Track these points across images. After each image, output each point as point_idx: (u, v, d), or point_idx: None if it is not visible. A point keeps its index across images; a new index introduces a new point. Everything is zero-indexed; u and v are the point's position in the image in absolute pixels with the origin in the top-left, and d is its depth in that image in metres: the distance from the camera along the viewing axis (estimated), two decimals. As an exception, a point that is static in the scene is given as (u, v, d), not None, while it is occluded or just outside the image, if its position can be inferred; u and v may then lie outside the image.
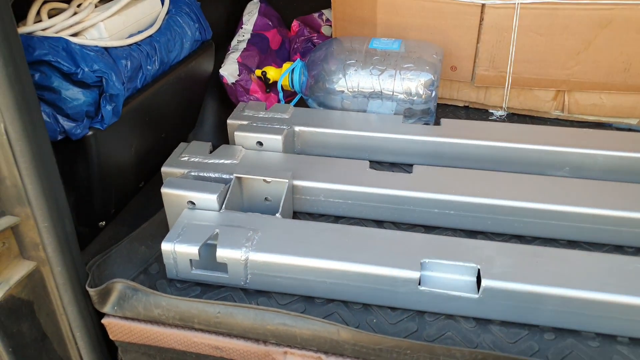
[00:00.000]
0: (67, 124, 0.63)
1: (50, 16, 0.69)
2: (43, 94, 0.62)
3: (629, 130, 1.02)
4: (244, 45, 1.07)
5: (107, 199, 0.75)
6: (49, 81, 0.61)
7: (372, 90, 0.95)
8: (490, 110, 1.09)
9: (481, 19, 0.97)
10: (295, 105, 1.02)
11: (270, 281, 0.67)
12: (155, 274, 0.70)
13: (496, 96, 1.06)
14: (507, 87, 1.03)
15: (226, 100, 1.07)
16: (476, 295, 0.62)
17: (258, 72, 1.04)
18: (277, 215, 0.72)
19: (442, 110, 1.11)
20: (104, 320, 0.66)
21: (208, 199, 0.72)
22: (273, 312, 0.60)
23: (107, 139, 0.70)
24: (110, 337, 0.67)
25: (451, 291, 0.63)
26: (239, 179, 0.77)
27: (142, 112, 0.78)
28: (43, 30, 0.66)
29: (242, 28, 1.12)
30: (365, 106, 0.98)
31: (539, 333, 0.63)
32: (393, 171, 0.86)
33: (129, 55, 0.73)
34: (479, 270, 0.63)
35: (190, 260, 0.67)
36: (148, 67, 0.77)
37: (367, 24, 1.06)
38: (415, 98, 0.94)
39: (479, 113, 1.09)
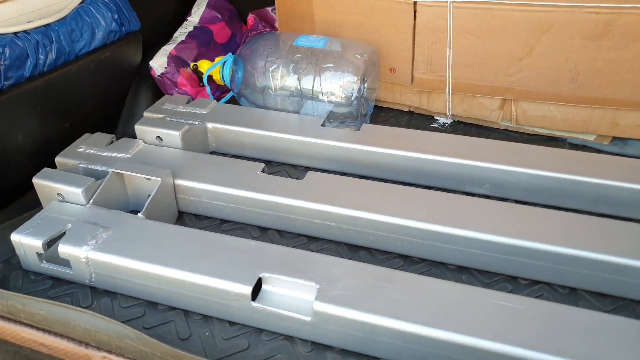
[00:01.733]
0: None
1: None
2: None
3: (583, 146, 0.93)
4: (183, 37, 1.05)
5: (-17, 186, 0.75)
6: None
7: (293, 90, 0.91)
8: (435, 117, 1.02)
9: (415, 18, 0.90)
10: (227, 102, 1.00)
11: (113, 282, 0.65)
12: (15, 264, 0.70)
13: (439, 102, 0.99)
14: (448, 93, 0.96)
15: (161, 93, 1.06)
16: (309, 318, 0.58)
17: (192, 66, 1.02)
18: (139, 214, 0.70)
19: (385, 115, 1.05)
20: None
21: (74, 192, 0.71)
22: (89, 314, 0.58)
23: (-24, 126, 0.70)
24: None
25: (283, 311, 0.58)
26: (117, 174, 0.75)
27: (33, 101, 0.78)
28: None
29: (187, 20, 1.10)
30: (299, 106, 0.93)
31: (377, 365, 0.57)
32: (286, 176, 0.81)
33: (11, 43, 0.72)
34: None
35: (37, 253, 0.66)
36: (40, 55, 0.77)
37: (306, 20, 1.01)
38: (335, 100, 0.89)
39: (422, 119, 1.03)
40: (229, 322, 0.62)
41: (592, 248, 0.62)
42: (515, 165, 0.77)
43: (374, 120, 1.02)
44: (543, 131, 0.95)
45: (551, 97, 0.89)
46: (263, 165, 0.79)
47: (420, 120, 1.02)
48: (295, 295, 0.60)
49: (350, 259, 0.71)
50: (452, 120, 1.01)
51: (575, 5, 0.80)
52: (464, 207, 0.71)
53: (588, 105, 0.88)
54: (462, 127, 1.00)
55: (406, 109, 1.04)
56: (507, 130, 0.97)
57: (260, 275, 0.60)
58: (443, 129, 0.99)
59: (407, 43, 0.93)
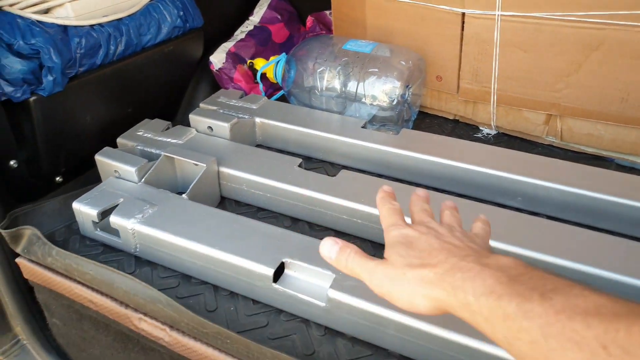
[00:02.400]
0: (7, 88, 0.73)
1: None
2: (-12, 60, 0.72)
3: (631, 168, 0.91)
4: (242, 36, 1.12)
5: (55, 159, 0.85)
6: (-7, 49, 0.71)
7: (338, 92, 0.96)
8: (480, 127, 1.03)
9: (462, 29, 0.92)
10: (277, 100, 1.06)
11: (154, 254, 0.72)
12: (75, 230, 0.79)
13: (484, 112, 1.00)
14: (493, 104, 0.97)
15: (219, 86, 1.13)
16: (323, 304, 0.62)
17: (248, 63, 1.09)
18: (184, 195, 0.77)
19: (430, 121, 1.07)
20: (17, 260, 0.76)
21: (128, 170, 0.78)
22: (129, 278, 0.65)
23: (53, 105, 0.79)
24: (24, 276, 0.77)
25: (301, 294, 0.63)
26: (168, 158, 0.82)
27: (102, 87, 0.87)
28: (10, 5, 0.77)
29: (248, 19, 1.17)
30: (344, 108, 0.98)
31: (383, 357, 0.61)
32: (323, 173, 0.86)
33: (87, 34, 0.81)
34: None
35: (93, 221, 0.74)
36: (111, 46, 0.85)
37: (359, 25, 1.05)
38: (377, 104, 0.92)
39: (467, 128, 1.04)
40: (252, 300, 0.68)
41: (619, 270, 0.62)
42: (549, 181, 0.78)
43: (419, 126, 1.04)
44: (590, 150, 0.94)
45: (598, 115, 0.88)
46: (300, 160, 0.84)
47: (464, 129, 1.04)
48: (313, 282, 0.65)
49: (373, 255, 0.74)
50: (496, 132, 1.02)
51: (628, 24, 0.79)
52: (490, 217, 0.72)
53: (638, 127, 0.87)
54: (505, 139, 1.00)
55: (451, 117, 1.06)
56: (552, 146, 0.97)
57: (283, 260, 0.65)
58: (486, 140, 1.00)
59: (454, 53, 0.95)
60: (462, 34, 0.93)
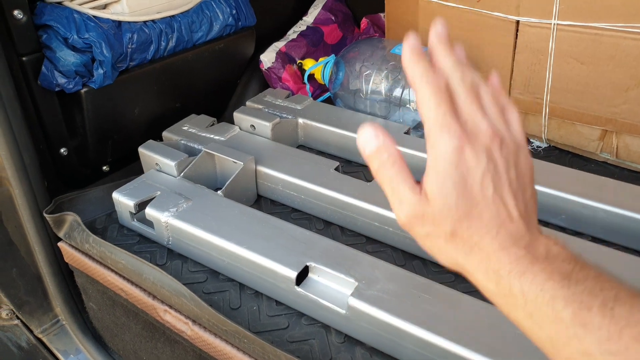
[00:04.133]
0: (60, 79, 0.76)
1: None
2: (46, 52, 0.76)
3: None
4: (294, 36, 1.13)
5: (102, 149, 0.88)
6: (50, 42, 0.75)
7: (383, 96, 0.94)
8: (530, 140, 0.99)
9: (516, 37, 0.88)
10: (323, 102, 1.06)
11: (186, 248, 0.74)
12: (115, 219, 0.82)
13: (535, 124, 0.95)
14: (545, 117, 0.92)
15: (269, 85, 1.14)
16: (344, 311, 0.61)
17: (297, 63, 1.09)
18: (219, 192, 0.78)
19: (479, 131, 1.03)
20: (59, 244, 0.79)
21: (168, 164, 0.80)
22: (157, 270, 0.67)
23: (102, 97, 0.83)
24: (65, 260, 0.81)
25: (322, 300, 0.62)
26: (208, 154, 0.84)
27: (151, 81, 0.89)
28: (70, 1, 0.81)
29: (302, 20, 1.17)
30: (388, 112, 0.97)
31: (403, 370, 0.59)
32: (362, 178, 0.85)
33: (139, 30, 0.84)
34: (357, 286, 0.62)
35: (130, 212, 0.77)
36: (162, 42, 0.88)
37: (411, 29, 1.03)
38: (421, 110, 0.90)
39: (516, 140, 1.00)
40: (276, 301, 0.68)
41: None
42: (596, 200, 0.73)
43: (465, 135, 1.01)
44: (647, 169, 0.88)
45: (659, 134, 0.82)
46: (337, 163, 0.83)
47: (513, 141, 1.00)
48: (335, 288, 0.64)
49: (402, 266, 0.73)
50: (547, 145, 0.97)
51: (696, 38, 0.74)
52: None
53: (702, 148, 0.80)
54: (557, 153, 0.95)
55: (500, 128, 1.02)
56: (606, 163, 0.92)
57: (308, 264, 0.65)
58: (536, 153, 0.96)
59: (506, 61, 0.92)
60: (515, 43, 0.89)
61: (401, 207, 0.37)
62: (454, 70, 0.37)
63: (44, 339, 0.86)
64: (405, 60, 0.37)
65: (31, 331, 0.86)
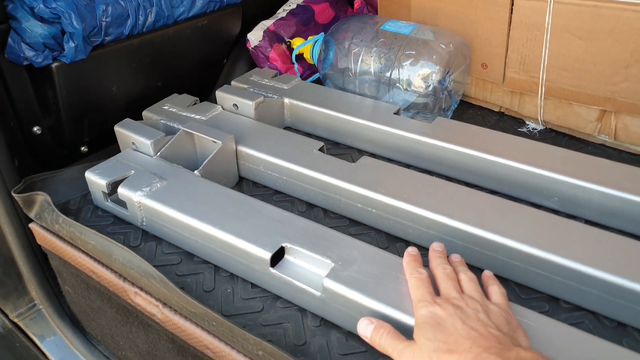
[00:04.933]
0: (28, 52, 0.73)
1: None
2: (12, 23, 0.73)
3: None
4: (284, 14, 1.09)
5: (78, 128, 0.85)
6: (16, 11, 0.72)
7: (372, 75, 0.90)
8: (526, 122, 0.95)
9: (511, 12, 0.84)
10: (313, 82, 1.02)
11: (160, 229, 0.71)
12: (89, 200, 0.79)
13: (531, 105, 0.91)
14: (541, 97, 0.88)
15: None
16: (319, 293, 0.58)
17: (286, 42, 1.05)
18: (196, 172, 0.74)
19: (474, 112, 1.00)
20: (30, 225, 0.76)
21: (144, 143, 0.77)
22: (126, 251, 0.64)
23: (76, 73, 0.79)
24: (37, 241, 0.78)
25: (297, 282, 0.59)
26: (187, 133, 0.81)
27: (129, 58, 0.86)
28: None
29: (292, -2, 1.14)
30: (377, 92, 0.93)
31: (377, 355, 0.56)
32: (349, 160, 0.81)
33: (114, 2, 0.80)
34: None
35: (103, 192, 0.74)
36: (140, 17, 0.85)
37: (404, 6, 0.99)
38: (412, 89, 0.86)
39: (512, 122, 0.96)
40: (251, 284, 0.65)
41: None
42: (590, 181, 0.69)
43: (460, 116, 0.97)
44: (647, 152, 0.84)
45: (660, 113, 0.78)
46: (322, 144, 0.80)
47: (509, 122, 0.96)
48: (311, 270, 0.61)
49: (385, 248, 0.69)
50: (543, 127, 0.93)
51: (699, 9, 0.69)
52: (522, 218, 0.65)
53: None
54: (553, 135, 0.91)
55: (496, 109, 0.98)
56: (604, 145, 0.88)
57: (283, 245, 0.61)
58: (531, 135, 0.92)
59: (501, 38, 0.88)
60: (510, 18, 0.85)
61: (401, 356, 0.48)
62: (438, 266, 0.55)
63: (20, 324, 0.84)
64: (404, 263, 0.57)
65: (6, 315, 0.83)
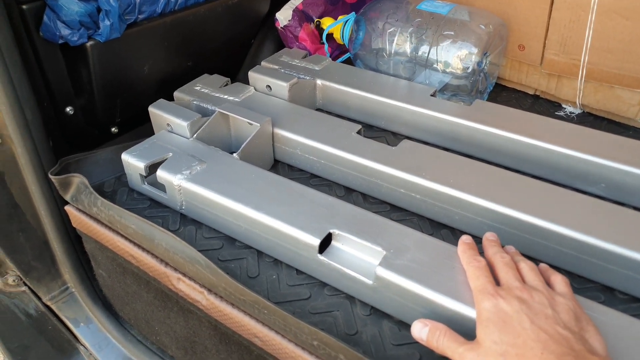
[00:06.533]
0: (64, 30, 0.71)
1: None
2: (47, 0, 0.70)
3: None
4: (312, -8, 1.06)
5: (111, 108, 0.83)
6: (51, -12, 0.70)
7: (408, 56, 0.88)
8: (563, 105, 0.93)
9: (554, -8, 0.82)
10: (343, 63, 1.00)
11: (200, 212, 0.69)
12: (125, 182, 0.77)
13: (569, 88, 0.89)
14: (581, 80, 0.86)
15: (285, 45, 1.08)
16: (370, 282, 0.57)
17: (315, 22, 1.03)
18: (235, 155, 0.73)
19: (507, 95, 0.98)
20: (66, 207, 0.75)
21: (180, 124, 0.76)
22: (170, 236, 0.62)
23: (110, 52, 0.77)
24: (73, 224, 0.77)
25: (347, 269, 0.58)
26: (223, 115, 0.79)
27: (161, 37, 0.84)
28: (74, -54, 0.75)
29: (319, -24, 1.10)
30: (413, 74, 0.91)
31: (432, 345, 0.55)
32: (384, 142, 0.80)
33: (148, -21, 0.78)
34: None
35: (140, 174, 0.72)
36: (172, -6, 0.82)
37: (437, -15, 0.96)
38: (449, 71, 0.84)
39: (547, 105, 0.94)
40: (296, 270, 0.64)
41: None
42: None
43: (495, 99, 0.96)
44: (691, 137, 0.82)
45: None
46: (360, 127, 0.78)
47: (544, 106, 0.94)
48: (361, 257, 0.60)
49: (430, 235, 0.68)
50: (581, 111, 0.91)
51: None
52: (568, 202, 0.64)
53: None
54: (591, 119, 0.90)
55: (531, 92, 0.96)
56: (645, 130, 0.86)
57: (331, 231, 0.60)
58: (569, 119, 0.90)
59: (541, 19, 0.85)
60: (553, -2, 0.82)
61: (463, 359, 0.45)
62: (495, 254, 0.53)
63: (53, 307, 0.83)
64: (459, 252, 0.55)
65: (39, 298, 0.82)
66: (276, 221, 0.62)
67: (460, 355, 0.45)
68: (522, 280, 0.50)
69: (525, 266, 0.52)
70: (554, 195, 0.65)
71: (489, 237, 0.57)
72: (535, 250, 0.62)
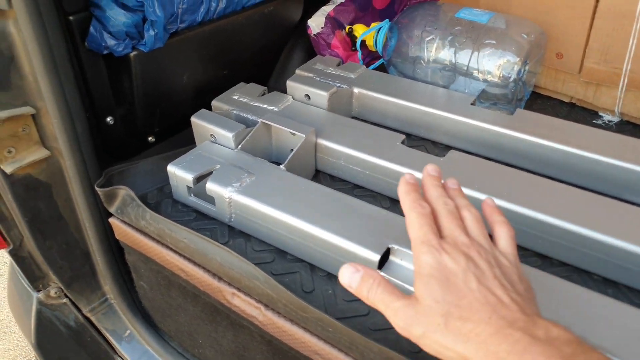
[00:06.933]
0: (110, 41, 0.70)
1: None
2: (94, 11, 0.70)
3: None
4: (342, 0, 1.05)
5: (150, 118, 0.82)
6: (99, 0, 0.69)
7: (447, 64, 0.88)
8: (600, 113, 0.93)
9: (597, 0, 0.82)
10: (376, 70, 0.99)
11: (250, 225, 0.69)
12: (167, 193, 0.76)
13: (608, 97, 0.89)
14: (622, 88, 0.86)
15: (314, 53, 1.08)
16: (433, 297, 0.56)
17: (347, 29, 1.02)
18: (282, 166, 0.72)
19: (543, 103, 0.97)
20: (110, 220, 0.74)
21: (225, 135, 0.75)
22: (226, 251, 0.62)
23: (152, 62, 0.76)
24: (116, 236, 0.76)
25: (408, 285, 0.57)
26: (265, 125, 0.78)
27: (200, 46, 0.83)
28: (117, -45, 0.74)
29: (349, -18, 1.10)
30: (450, 82, 0.90)
31: None
32: (425, 151, 0.79)
33: (190, -11, 0.77)
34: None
35: (187, 186, 0.71)
36: (212, 3, 0.81)
37: (471, -8, 0.96)
38: (490, 79, 0.84)
39: (584, 113, 0.94)
40: (351, 285, 0.63)
41: None
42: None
43: (530, 107, 0.95)
44: None
45: None
46: (403, 137, 0.78)
47: (581, 114, 0.94)
48: (421, 272, 0.59)
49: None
50: (619, 119, 0.91)
51: None
52: (617, 215, 0.63)
53: None
54: (630, 128, 0.89)
55: (567, 100, 0.96)
56: (685, 139, 0.86)
57: (389, 246, 0.60)
58: (607, 128, 0.90)
59: (582, 27, 0.85)
60: (596, 6, 0.82)
61: (396, 315, 0.40)
62: (438, 199, 0.47)
63: (92, 318, 0.82)
64: (400, 192, 0.47)
65: (80, 310, 0.82)
66: (332, 235, 0.61)
67: (395, 311, 0.40)
68: (467, 232, 0.44)
69: (470, 216, 0.46)
70: (613, 208, 0.65)
71: (430, 172, 0.50)
72: (591, 264, 0.62)
